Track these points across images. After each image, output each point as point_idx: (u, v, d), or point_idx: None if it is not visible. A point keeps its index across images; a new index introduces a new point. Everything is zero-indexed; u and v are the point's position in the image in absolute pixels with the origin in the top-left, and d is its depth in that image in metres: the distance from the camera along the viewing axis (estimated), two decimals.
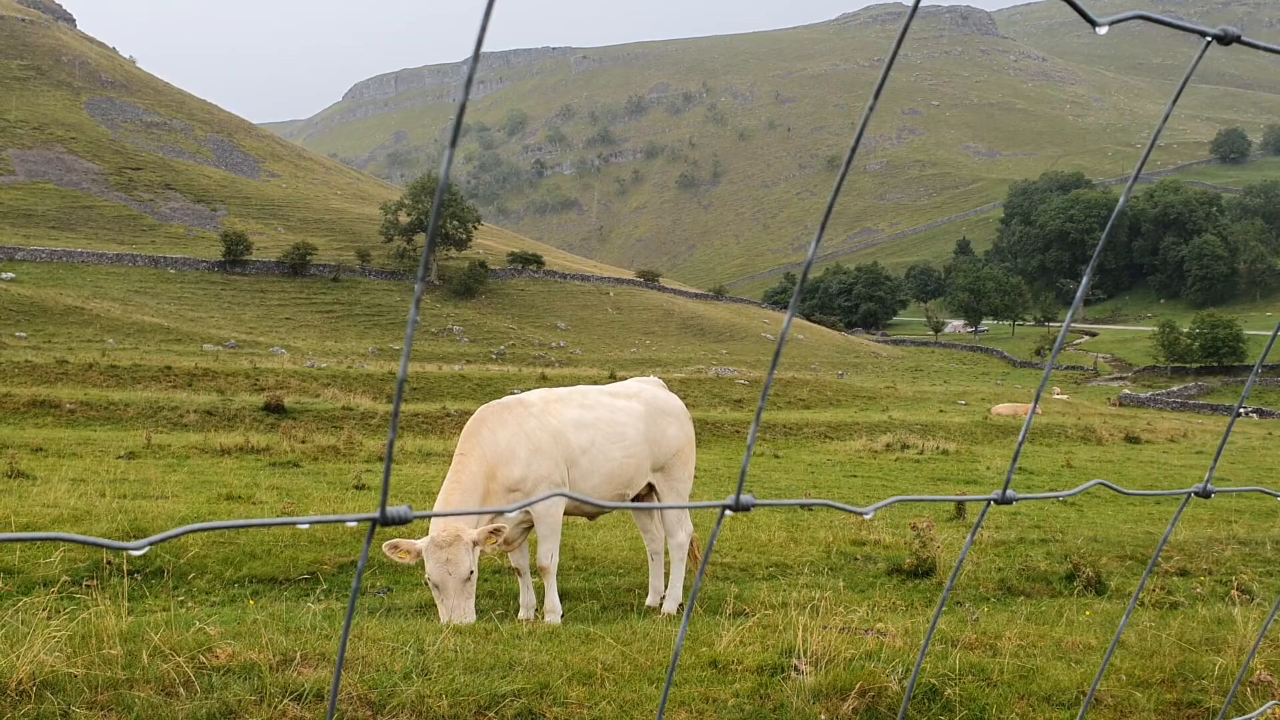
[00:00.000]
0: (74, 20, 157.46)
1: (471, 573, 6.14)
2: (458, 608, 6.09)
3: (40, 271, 67.00)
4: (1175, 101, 1.22)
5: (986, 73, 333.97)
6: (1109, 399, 71.83)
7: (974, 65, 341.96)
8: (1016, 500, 1.48)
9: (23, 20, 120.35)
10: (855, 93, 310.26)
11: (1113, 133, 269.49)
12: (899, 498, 1.51)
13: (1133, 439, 33.87)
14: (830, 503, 1.29)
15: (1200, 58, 1.08)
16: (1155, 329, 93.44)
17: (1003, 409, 40.80)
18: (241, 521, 0.92)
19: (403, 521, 1.05)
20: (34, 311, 55.44)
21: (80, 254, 72.54)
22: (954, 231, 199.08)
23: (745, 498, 1.14)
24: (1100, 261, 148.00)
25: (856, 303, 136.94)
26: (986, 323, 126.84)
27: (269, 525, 0.94)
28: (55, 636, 4.29)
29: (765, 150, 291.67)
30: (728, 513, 1.08)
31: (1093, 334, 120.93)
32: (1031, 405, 1.51)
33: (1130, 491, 1.73)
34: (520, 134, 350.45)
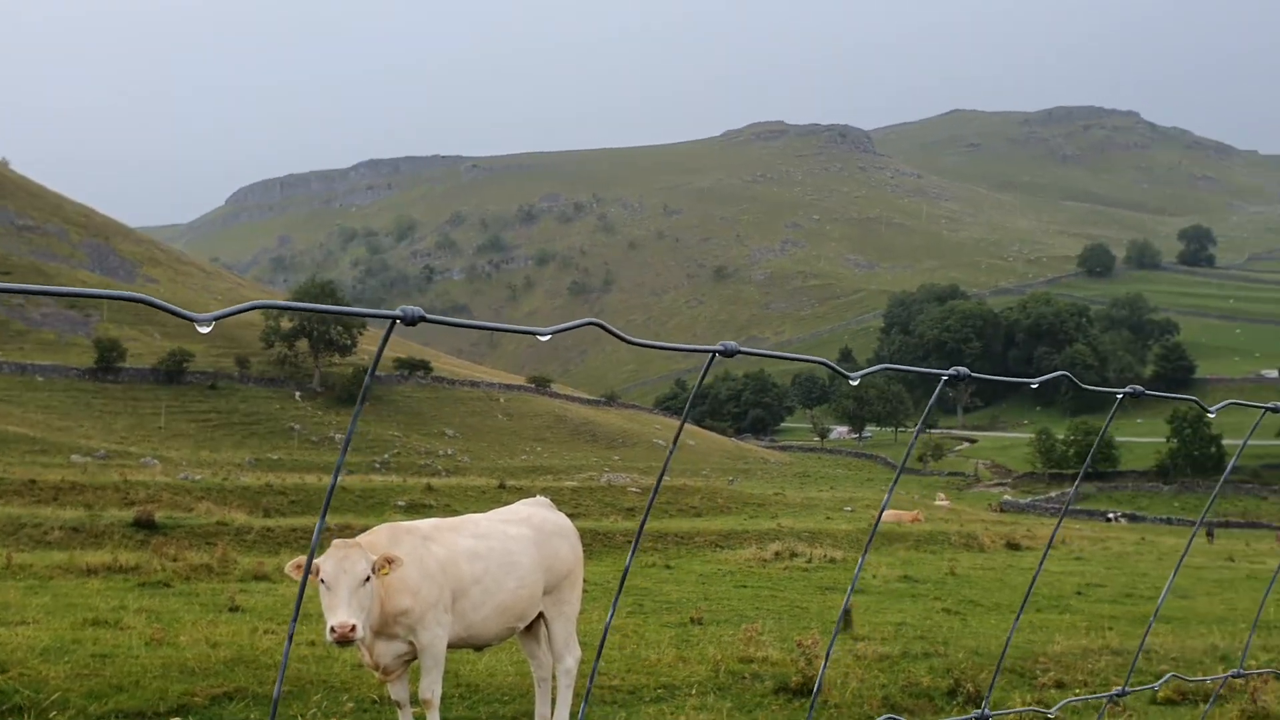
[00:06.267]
0: None
1: (368, 579, 6.02)
2: (339, 609, 5.87)
3: None
4: None
5: (865, 188, 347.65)
6: (990, 505, 73.75)
7: (853, 181, 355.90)
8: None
9: None
10: (740, 206, 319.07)
11: (985, 246, 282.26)
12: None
13: (1014, 545, 34.65)
14: None
15: None
16: (1033, 436, 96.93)
17: (887, 515, 41.54)
18: None
19: None
20: None
21: None
22: (836, 340, 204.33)
23: None
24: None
25: (745, 409, 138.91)
26: (870, 429, 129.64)
27: None
28: None
29: (655, 260, 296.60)
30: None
31: (973, 440, 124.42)
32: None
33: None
34: (409, 239, 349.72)
